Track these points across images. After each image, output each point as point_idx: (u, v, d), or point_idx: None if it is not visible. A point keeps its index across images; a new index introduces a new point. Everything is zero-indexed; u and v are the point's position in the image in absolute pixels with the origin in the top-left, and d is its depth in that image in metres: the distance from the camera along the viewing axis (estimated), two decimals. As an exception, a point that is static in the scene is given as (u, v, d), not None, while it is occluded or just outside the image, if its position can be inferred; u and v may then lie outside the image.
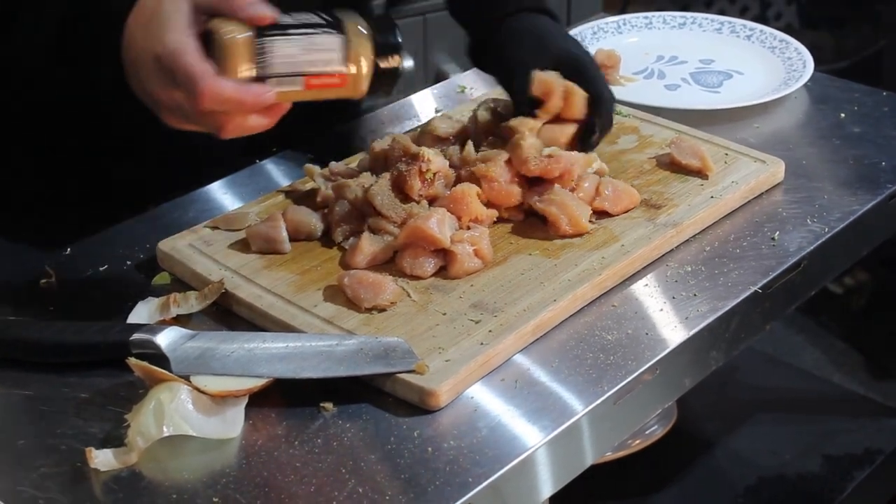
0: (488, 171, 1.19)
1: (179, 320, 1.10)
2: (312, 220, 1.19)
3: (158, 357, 1.02)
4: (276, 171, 1.38)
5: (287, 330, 1.07)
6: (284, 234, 1.17)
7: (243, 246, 1.18)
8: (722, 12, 3.30)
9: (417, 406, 0.99)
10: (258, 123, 1.03)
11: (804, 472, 1.69)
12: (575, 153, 1.21)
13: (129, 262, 1.20)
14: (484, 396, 1.01)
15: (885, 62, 2.98)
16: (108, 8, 1.04)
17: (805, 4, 3.42)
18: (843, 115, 1.45)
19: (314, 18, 1.05)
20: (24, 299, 1.15)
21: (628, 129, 1.38)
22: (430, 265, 1.13)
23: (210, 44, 1.01)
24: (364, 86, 1.07)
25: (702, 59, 1.61)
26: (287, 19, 1.03)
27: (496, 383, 1.02)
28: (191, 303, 1.10)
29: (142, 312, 1.10)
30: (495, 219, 1.20)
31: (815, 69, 1.53)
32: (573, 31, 1.63)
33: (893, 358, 2.55)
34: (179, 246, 1.18)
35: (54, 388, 1.03)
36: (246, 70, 1.01)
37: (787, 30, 1.81)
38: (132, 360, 1.00)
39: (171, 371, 1.00)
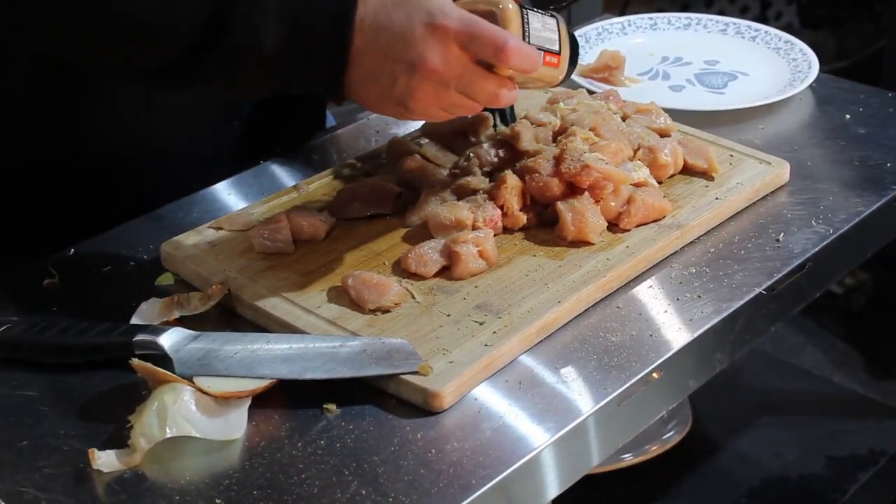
0: (535, 163, 1.20)
1: (183, 321, 1.09)
2: (316, 221, 1.19)
3: (162, 358, 1.02)
4: (280, 172, 1.37)
5: (290, 331, 1.07)
6: (288, 234, 1.17)
7: (247, 247, 1.18)
8: (721, 12, 3.30)
9: (421, 408, 0.99)
10: (515, 95, 1.08)
11: (807, 474, 1.69)
12: (611, 168, 1.19)
13: (132, 263, 1.20)
14: (488, 398, 1.00)
15: (885, 62, 2.97)
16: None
17: (805, 4, 3.42)
18: (848, 116, 1.45)
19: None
20: (28, 300, 1.15)
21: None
22: (433, 263, 1.13)
23: None
24: (564, 74, 1.14)
25: (707, 60, 1.60)
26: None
27: (500, 385, 1.02)
28: (194, 304, 1.10)
29: (145, 313, 1.10)
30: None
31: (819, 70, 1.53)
32: (577, 33, 1.63)
33: (893, 358, 2.55)
34: (183, 246, 1.18)
35: (57, 388, 1.03)
36: (519, 38, 1.07)
37: (787, 30, 1.80)
38: (135, 361, 1.00)
39: (174, 372, 1.00)
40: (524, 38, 1.08)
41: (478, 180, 1.22)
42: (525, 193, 1.20)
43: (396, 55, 1.02)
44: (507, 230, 1.19)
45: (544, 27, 1.10)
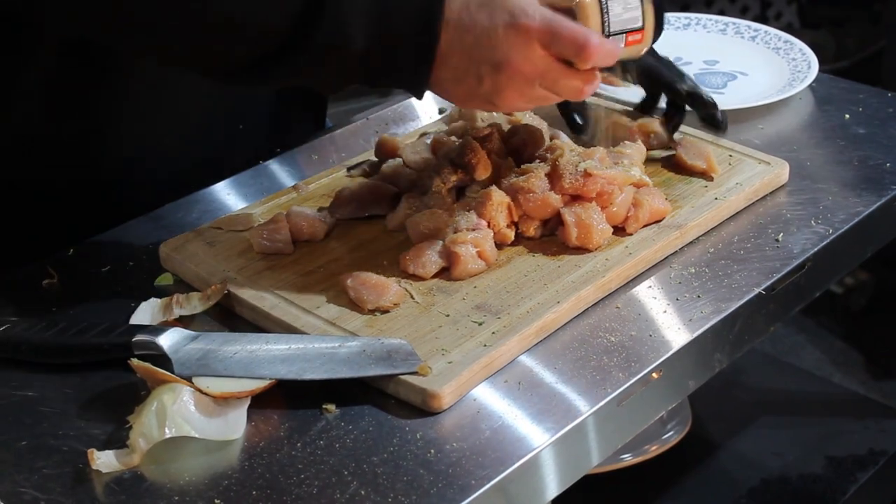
0: (528, 183, 1.17)
1: (182, 321, 1.09)
2: (315, 221, 1.19)
3: (161, 358, 1.02)
4: (279, 172, 1.37)
5: (290, 331, 1.07)
6: (287, 235, 1.17)
7: (246, 247, 1.18)
8: (722, 12, 3.30)
9: (420, 408, 0.99)
10: (598, 84, 1.09)
11: (807, 474, 1.69)
12: (614, 171, 1.18)
13: (131, 263, 1.20)
14: (487, 398, 1.00)
15: (885, 62, 2.98)
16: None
17: (805, 4, 3.42)
18: (847, 116, 1.45)
19: None
20: (27, 300, 1.15)
21: (632, 130, 1.37)
22: (432, 265, 1.13)
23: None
24: (648, 45, 1.13)
25: (706, 60, 1.60)
26: None
27: (499, 385, 1.02)
28: (194, 304, 1.10)
29: (144, 313, 1.10)
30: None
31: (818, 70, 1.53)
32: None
33: (893, 358, 2.55)
34: (182, 246, 1.18)
35: (56, 389, 1.03)
36: (598, 30, 1.07)
37: (788, 30, 1.80)
38: (135, 362, 1.00)
39: (173, 372, 1.00)
40: (604, 29, 1.08)
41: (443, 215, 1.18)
42: (511, 209, 1.17)
43: (481, 56, 1.03)
44: (497, 247, 1.16)
45: (625, 9, 1.09)
